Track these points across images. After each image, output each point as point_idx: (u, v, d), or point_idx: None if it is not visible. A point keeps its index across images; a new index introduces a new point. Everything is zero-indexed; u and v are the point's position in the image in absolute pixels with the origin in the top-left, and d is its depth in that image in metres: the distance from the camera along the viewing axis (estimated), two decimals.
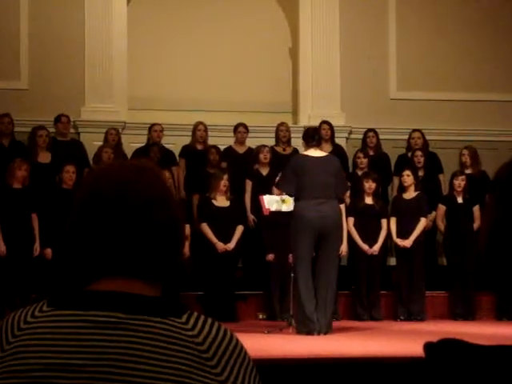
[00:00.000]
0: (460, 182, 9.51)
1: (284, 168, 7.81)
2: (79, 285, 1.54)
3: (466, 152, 10.08)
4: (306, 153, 7.70)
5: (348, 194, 9.87)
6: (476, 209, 9.49)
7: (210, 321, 1.51)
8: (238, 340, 1.52)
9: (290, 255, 7.80)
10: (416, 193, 9.46)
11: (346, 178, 8.36)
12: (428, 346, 1.13)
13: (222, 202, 9.12)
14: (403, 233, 9.34)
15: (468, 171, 9.88)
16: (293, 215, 7.53)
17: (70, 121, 10.30)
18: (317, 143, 7.71)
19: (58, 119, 10.15)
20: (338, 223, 7.60)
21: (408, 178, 9.45)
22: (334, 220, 7.44)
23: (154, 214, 1.53)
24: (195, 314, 1.51)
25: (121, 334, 1.46)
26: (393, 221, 9.43)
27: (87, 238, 1.53)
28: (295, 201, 7.57)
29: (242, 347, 1.52)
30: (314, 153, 7.62)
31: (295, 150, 10.06)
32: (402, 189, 9.61)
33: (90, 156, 10.07)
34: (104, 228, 1.51)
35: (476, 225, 9.41)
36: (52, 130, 10.05)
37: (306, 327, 7.31)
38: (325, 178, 7.44)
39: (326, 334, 7.31)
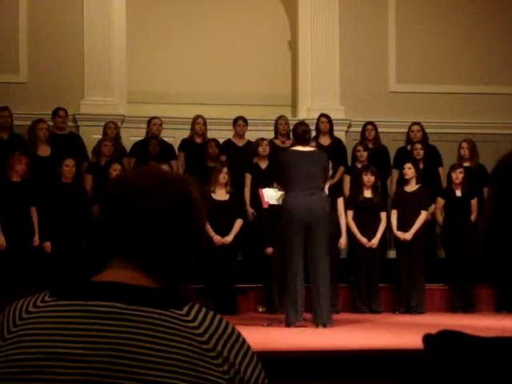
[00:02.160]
0: (458, 175, 9.51)
1: (275, 163, 7.90)
2: (88, 273, 1.57)
3: (465, 145, 10.07)
4: (294, 148, 7.81)
5: (348, 186, 9.90)
6: (474, 202, 9.49)
7: (211, 313, 1.52)
8: (239, 333, 1.53)
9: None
10: (417, 186, 9.46)
11: (330, 172, 8.34)
12: (427, 338, 1.14)
13: (221, 195, 9.11)
14: (404, 225, 9.34)
15: (466, 164, 9.87)
16: (282, 207, 7.59)
17: (68, 114, 10.28)
18: (306, 143, 7.79)
19: (55, 113, 10.12)
20: (326, 214, 7.59)
21: (409, 170, 9.45)
22: (321, 211, 7.46)
23: (175, 218, 1.57)
24: (197, 306, 1.52)
25: (121, 325, 1.47)
26: (393, 213, 9.43)
27: (111, 224, 1.58)
28: (285, 193, 7.64)
29: (243, 340, 1.52)
30: (303, 148, 7.71)
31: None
32: (402, 181, 9.61)
33: (89, 149, 10.06)
34: (127, 217, 1.57)
35: (474, 217, 9.42)
36: (51, 123, 10.04)
37: (288, 317, 7.38)
38: (312, 170, 7.52)
39: (325, 326, 7.33)
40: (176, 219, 1.57)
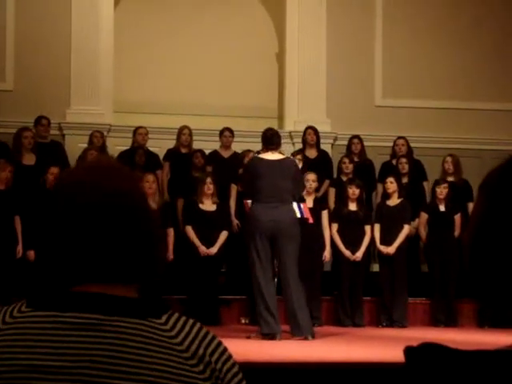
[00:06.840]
0: (442, 190, 9.55)
1: (242, 174, 7.71)
2: (60, 286, 1.53)
3: (449, 159, 10.11)
4: (261, 156, 7.57)
5: (333, 199, 9.91)
6: (458, 217, 9.53)
7: (190, 321, 1.51)
8: (220, 341, 1.52)
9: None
10: (399, 200, 9.49)
11: (302, 179, 8.23)
12: (408, 350, 1.14)
13: (208, 205, 9.10)
14: (387, 239, 9.36)
15: (450, 179, 9.91)
16: (246, 218, 7.48)
17: (50, 123, 10.21)
18: (276, 147, 7.56)
19: (37, 121, 10.06)
20: (292, 227, 7.35)
21: (391, 184, 9.48)
22: (286, 224, 7.28)
23: (131, 220, 1.51)
24: (176, 314, 1.51)
25: (99, 336, 1.46)
26: (376, 227, 9.45)
27: (66, 246, 1.51)
28: (251, 204, 7.50)
29: (224, 347, 1.52)
30: (271, 156, 7.49)
31: None
32: (386, 196, 9.63)
33: (74, 158, 10.03)
34: (82, 235, 1.49)
35: (457, 233, 9.45)
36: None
37: (268, 328, 7.24)
38: (280, 181, 7.32)
39: (306, 338, 7.28)
40: (129, 221, 1.51)
